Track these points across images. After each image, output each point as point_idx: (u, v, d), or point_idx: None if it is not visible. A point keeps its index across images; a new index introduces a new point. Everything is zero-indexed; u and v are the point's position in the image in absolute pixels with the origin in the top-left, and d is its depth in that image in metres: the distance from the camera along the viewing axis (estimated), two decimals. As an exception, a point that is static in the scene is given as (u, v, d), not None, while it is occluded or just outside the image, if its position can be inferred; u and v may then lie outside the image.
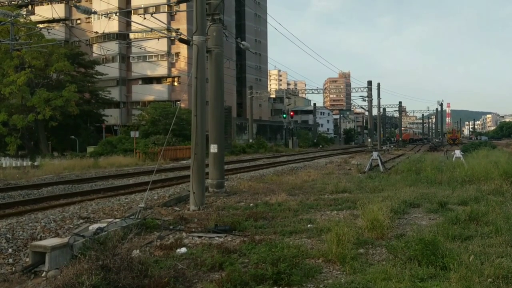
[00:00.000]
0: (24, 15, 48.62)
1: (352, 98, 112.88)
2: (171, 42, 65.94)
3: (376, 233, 8.11)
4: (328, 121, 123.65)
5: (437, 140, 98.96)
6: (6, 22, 30.70)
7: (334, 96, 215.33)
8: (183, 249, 7.56)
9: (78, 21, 73.12)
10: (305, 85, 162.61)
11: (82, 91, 53.65)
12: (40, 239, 9.19)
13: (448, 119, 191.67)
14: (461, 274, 5.62)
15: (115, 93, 66.32)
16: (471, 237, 7.84)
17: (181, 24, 60.61)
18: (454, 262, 5.97)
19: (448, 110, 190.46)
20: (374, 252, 7.30)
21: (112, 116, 64.20)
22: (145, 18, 22.96)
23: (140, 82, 70.43)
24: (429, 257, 6.25)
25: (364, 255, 7.09)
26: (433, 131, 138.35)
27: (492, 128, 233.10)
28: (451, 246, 7.03)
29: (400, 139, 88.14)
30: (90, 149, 46.86)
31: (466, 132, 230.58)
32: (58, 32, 52.54)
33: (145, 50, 56.82)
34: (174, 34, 40.05)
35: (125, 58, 70.03)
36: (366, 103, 62.86)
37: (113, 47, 58.50)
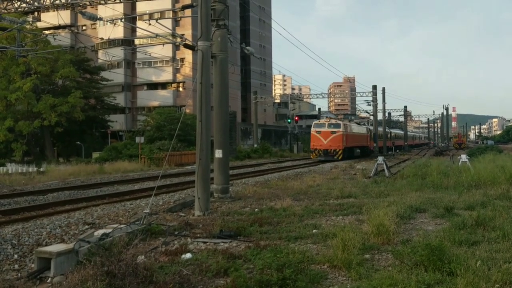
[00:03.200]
0: (30, 22, 48.94)
1: (357, 102, 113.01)
2: (176, 47, 66.16)
3: (382, 238, 8.07)
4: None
5: (442, 145, 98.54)
6: (13, 28, 30.87)
7: (339, 100, 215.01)
8: (188, 255, 7.54)
9: (84, 28, 73.59)
10: (310, 89, 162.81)
11: (87, 97, 53.88)
12: (46, 245, 9.20)
13: (454, 123, 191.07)
14: (468, 279, 5.58)
15: (120, 99, 66.54)
16: (478, 242, 7.79)
17: (186, 30, 60.83)
18: (461, 268, 5.92)
19: (454, 114, 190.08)
20: (380, 258, 7.26)
21: (117, 122, 64.40)
22: (150, 24, 23.04)
23: (145, 87, 70.66)
24: (435, 262, 6.20)
25: (370, 261, 7.05)
26: (439, 135, 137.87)
27: (498, 132, 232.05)
28: (457, 251, 6.98)
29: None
30: (95, 154, 46.99)
31: (472, 136, 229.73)
32: (63, 38, 52.87)
33: (150, 55, 56.94)
34: (179, 39, 40.11)
35: (130, 64, 70.32)
36: (371, 108, 62.71)
37: (118, 53, 58.68)
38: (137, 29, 49.47)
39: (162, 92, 69.73)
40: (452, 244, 7.56)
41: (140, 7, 63.90)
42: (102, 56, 60.27)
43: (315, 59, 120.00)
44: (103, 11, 50.62)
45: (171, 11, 60.42)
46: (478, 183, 16.41)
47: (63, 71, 47.06)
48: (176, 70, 68.73)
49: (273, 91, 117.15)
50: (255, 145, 58.85)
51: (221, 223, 10.04)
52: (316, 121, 48.25)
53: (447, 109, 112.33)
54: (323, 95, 72.25)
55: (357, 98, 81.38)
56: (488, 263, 6.41)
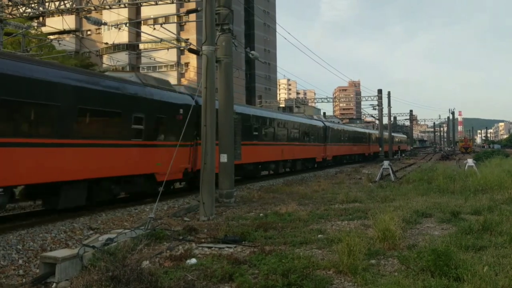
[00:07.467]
0: (35, 27, 49.17)
1: (362, 107, 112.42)
2: (180, 52, 66.42)
3: (388, 243, 8.01)
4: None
5: (448, 149, 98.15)
6: (18, 33, 31.08)
7: (344, 105, 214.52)
8: (193, 260, 7.51)
9: (89, 32, 74.00)
10: (315, 94, 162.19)
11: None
12: (50, 250, 9.20)
13: (460, 128, 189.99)
14: (475, 285, 5.53)
15: (125, 104, 66.61)
16: (485, 248, 7.73)
17: (191, 34, 60.99)
18: (467, 273, 5.87)
19: (460, 119, 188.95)
20: (386, 263, 7.21)
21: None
22: (154, 29, 23.14)
23: (150, 92, 70.77)
24: (442, 268, 6.15)
25: (376, 266, 7.00)
26: (445, 139, 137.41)
27: (505, 136, 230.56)
28: (464, 256, 6.92)
29: None
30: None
31: (478, 140, 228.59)
32: (68, 43, 53.01)
33: (154, 60, 57.20)
34: (183, 44, 40.26)
35: (135, 69, 70.46)
36: (376, 112, 62.63)
37: (123, 57, 58.95)
38: (142, 34, 49.74)
39: (167, 97, 69.83)
40: (459, 249, 7.50)
41: (145, 12, 64.21)
42: (107, 61, 60.44)
43: (320, 63, 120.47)
44: (107, 16, 50.93)
45: (175, 16, 60.71)
46: (485, 187, 16.31)
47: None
48: (180, 75, 68.91)
49: (278, 95, 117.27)
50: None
51: (226, 228, 10.01)
52: None
53: (453, 113, 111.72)
54: (328, 99, 72.02)
55: (362, 103, 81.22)
56: (495, 268, 6.35)
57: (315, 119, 38.45)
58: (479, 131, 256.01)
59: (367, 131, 57.68)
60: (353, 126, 56.29)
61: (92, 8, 25.75)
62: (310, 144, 33.19)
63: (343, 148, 43.85)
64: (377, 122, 67.61)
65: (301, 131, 31.36)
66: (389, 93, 64.50)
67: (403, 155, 70.93)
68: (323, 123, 38.35)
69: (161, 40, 23.50)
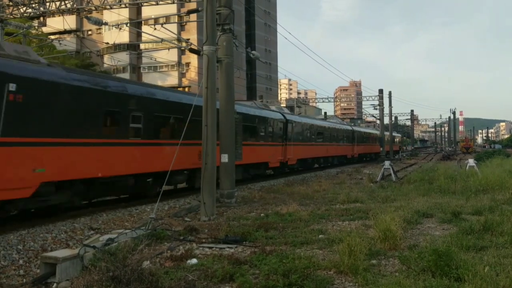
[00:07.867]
0: (36, 27, 49.19)
1: (363, 106, 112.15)
2: (181, 52, 66.39)
3: (389, 243, 8.01)
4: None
5: (449, 149, 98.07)
6: (18, 33, 31.10)
7: (345, 104, 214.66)
8: (194, 260, 7.51)
9: (89, 32, 74.00)
10: (316, 94, 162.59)
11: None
12: (51, 250, 9.20)
13: (461, 127, 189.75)
14: (475, 285, 5.52)
15: (126, 104, 66.60)
16: (486, 248, 7.72)
17: (192, 34, 60.95)
18: (468, 273, 5.86)
19: (461, 118, 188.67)
20: (387, 263, 7.20)
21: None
22: (155, 29, 23.15)
23: (151, 92, 70.74)
24: (443, 268, 6.14)
25: (377, 266, 6.99)
26: (446, 139, 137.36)
27: (506, 136, 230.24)
28: (465, 257, 6.91)
29: None
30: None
31: (479, 140, 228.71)
32: (69, 43, 53.09)
33: (155, 60, 57.17)
34: (184, 44, 40.26)
35: (135, 69, 70.57)
36: (377, 112, 62.61)
37: (123, 57, 58.99)
38: (143, 34, 49.73)
39: (167, 97, 69.78)
40: (460, 249, 7.49)
41: (146, 12, 64.19)
42: (108, 61, 60.50)
43: (321, 63, 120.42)
44: (108, 16, 50.91)
45: (176, 16, 60.71)
46: (486, 187, 16.29)
47: (69, 76, 47.19)
48: (181, 75, 68.92)
49: (279, 95, 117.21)
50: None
51: (227, 228, 10.01)
52: None
53: (454, 113, 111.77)
54: (329, 99, 72.03)
55: (363, 102, 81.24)
56: (496, 268, 6.34)
57: (273, 110, 28.97)
58: (480, 131, 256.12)
59: (350, 128, 47.95)
60: (331, 122, 45.74)
61: (93, 8, 25.76)
62: (259, 144, 24.45)
63: (315, 149, 34.72)
64: (378, 121, 67.49)
65: (243, 126, 21.66)
66: (390, 93, 64.40)
67: (404, 154, 70.90)
68: (283, 115, 28.85)
69: (162, 40, 23.53)
